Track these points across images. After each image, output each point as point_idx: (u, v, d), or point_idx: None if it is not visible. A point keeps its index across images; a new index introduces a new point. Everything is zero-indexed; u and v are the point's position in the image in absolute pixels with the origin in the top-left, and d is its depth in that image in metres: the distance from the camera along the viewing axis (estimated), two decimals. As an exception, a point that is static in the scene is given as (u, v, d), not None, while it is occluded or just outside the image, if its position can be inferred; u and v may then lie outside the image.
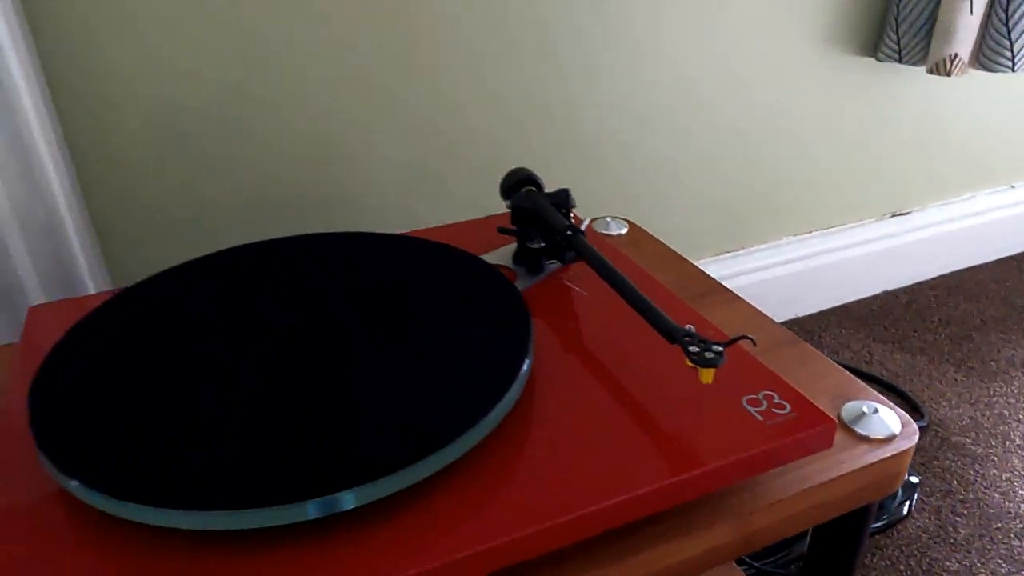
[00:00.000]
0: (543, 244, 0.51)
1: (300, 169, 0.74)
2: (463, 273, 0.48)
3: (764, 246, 1.07)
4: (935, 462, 0.87)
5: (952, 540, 0.77)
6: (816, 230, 1.11)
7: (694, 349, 0.36)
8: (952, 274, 1.26)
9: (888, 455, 0.42)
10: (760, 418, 0.38)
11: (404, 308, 0.44)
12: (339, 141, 0.74)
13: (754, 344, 0.48)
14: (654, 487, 0.35)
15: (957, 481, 0.84)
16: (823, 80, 0.98)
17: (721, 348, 0.36)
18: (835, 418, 0.42)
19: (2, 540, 0.32)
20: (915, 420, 0.47)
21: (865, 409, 0.44)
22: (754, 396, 0.40)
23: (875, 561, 0.75)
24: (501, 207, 0.86)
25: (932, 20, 0.95)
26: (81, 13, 0.60)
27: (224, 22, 0.65)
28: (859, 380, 0.48)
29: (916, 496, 0.81)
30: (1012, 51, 0.95)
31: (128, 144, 0.66)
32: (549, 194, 0.52)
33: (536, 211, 0.50)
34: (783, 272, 1.08)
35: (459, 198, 0.83)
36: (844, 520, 0.44)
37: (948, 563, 0.75)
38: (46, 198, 0.60)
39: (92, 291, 0.64)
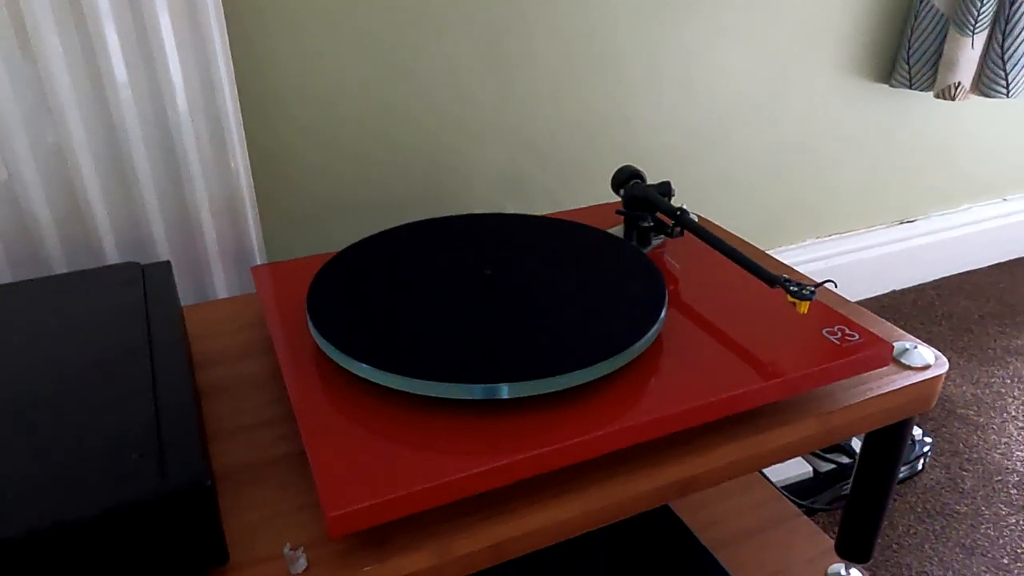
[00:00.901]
0: (651, 223, 0.65)
1: (420, 165, 0.88)
2: (600, 242, 0.62)
3: (792, 246, 1.22)
4: (943, 429, 1.01)
5: (960, 489, 0.91)
6: (835, 233, 1.26)
7: (793, 288, 0.50)
8: (953, 276, 1.41)
9: (926, 378, 0.56)
10: (836, 342, 0.52)
11: (565, 264, 0.59)
12: (452, 143, 0.88)
13: (835, 286, 0.62)
14: (763, 384, 0.48)
15: (963, 444, 0.99)
16: (843, 103, 1.14)
17: (813, 288, 0.50)
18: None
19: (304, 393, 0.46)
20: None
21: (908, 346, 0.58)
22: (831, 329, 0.54)
23: (898, 505, 0.89)
24: (575, 202, 1.00)
25: (939, 53, 1.11)
26: (270, 44, 0.75)
27: (367, 49, 0.79)
28: (900, 329, 0.62)
29: (929, 454, 0.95)
30: (1007, 80, 1.10)
31: (295, 144, 0.80)
32: (653, 185, 0.66)
33: (647, 198, 0.65)
34: (805, 270, 1.23)
35: (539, 195, 0.97)
36: (892, 429, 0.58)
37: (957, 507, 0.89)
38: (232, 185, 0.74)
39: (258, 262, 0.78)
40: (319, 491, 0.40)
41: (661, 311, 0.52)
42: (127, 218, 0.71)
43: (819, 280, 0.59)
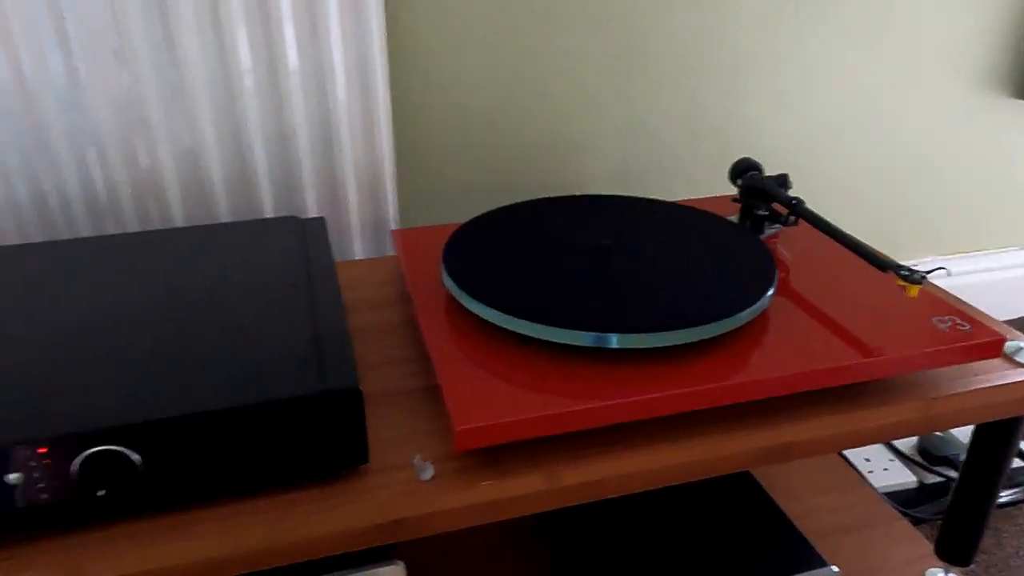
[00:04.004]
0: (767, 212, 0.68)
1: (538, 155, 0.93)
2: (715, 225, 0.66)
3: (910, 261, 1.19)
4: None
5: (1079, 518, 0.88)
6: (959, 252, 1.22)
7: (904, 272, 0.52)
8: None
9: (1039, 377, 0.56)
10: (945, 330, 0.53)
11: (679, 241, 0.62)
12: (569, 135, 0.93)
13: (948, 274, 0.63)
14: (866, 360, 0.50)
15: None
16: (969, 117, 1.11)
17: (924, 273, 0.52)
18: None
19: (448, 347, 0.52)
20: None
21: (1022, 344, 0.58)
22: (941, 318, 0.55)
23: (1007, 525, 0.87)
24: (686, 198, 1.02)
25: (1087, 68, 1.06)
26: (416, 42, 0.82)
27: (495, 49, 0.86)
28: (1015, 330, 0.62)
29: (1047, 480, 0.92)
30: None
31: (430, 131, 0.88)
32: (771, 176, 0.69)
33: (764, 188, 0.67)
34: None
35: (651, 189, 1.01)
36: (1001, 428, 0.58)
37: (1075, 536, 0.85)
38: (376, 163, 0.82)
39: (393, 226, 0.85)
40: (449, 409, 0.45)
41: (770, 286, 0.55)
42: (285, 184, 0.80)
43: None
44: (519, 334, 0.52)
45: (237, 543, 0.42)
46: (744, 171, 0.71)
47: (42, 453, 0.40)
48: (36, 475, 0.40)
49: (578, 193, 0.97)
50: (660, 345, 0.50)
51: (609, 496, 0.48)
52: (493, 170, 0.92)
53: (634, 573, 0.62)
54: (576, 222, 0.66)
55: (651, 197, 1.00)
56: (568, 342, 0.50)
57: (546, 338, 0.51)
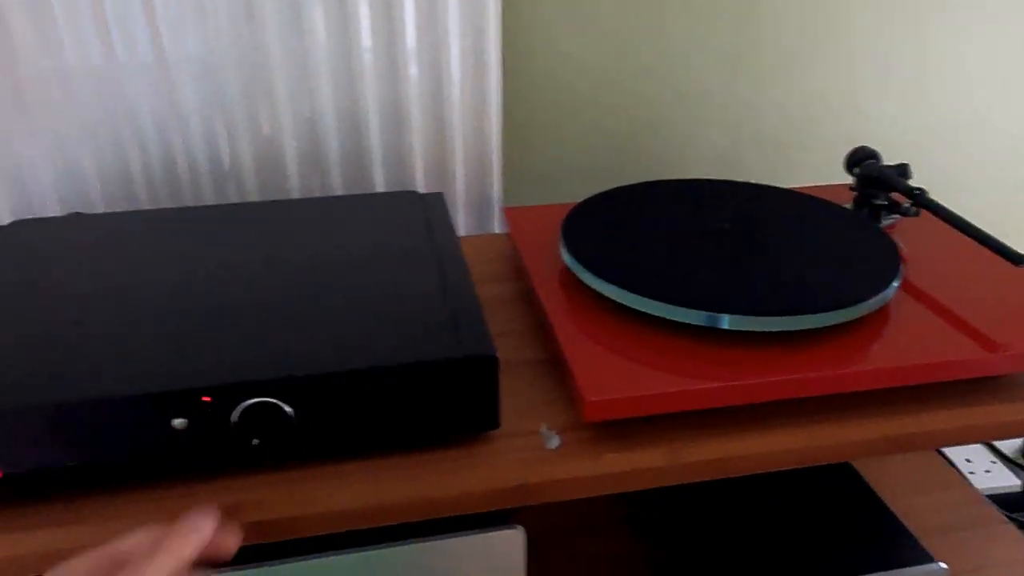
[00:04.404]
0: (885, 202, 0.67)
1: (645, 139, 0.93)
2: (836, 214, 0.65)
3: None
4: None
5: None
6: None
7: (1042, 266, 0.51)
8: None
9: None
10: (1082, 329, 0.52)
11: (800, 227, 0.62)
12: (677, 122, 0.93)
13: None
14: (991, 355, 0.50)
15: None
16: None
17: (1064, 268, 0.51)
18: None
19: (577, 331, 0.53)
20: None
21: None
22: (1076, 316, 0.53)
23: (1115, 536, 0.84)
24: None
25: None
26: (528, 24, 0.83)
27: (607, 31, 0.86)
28: None
29: None
30: None
31: (538, 112, 0.89)
32: (891, 166, 0.68)
33: (883, 177, 0.66)
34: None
35: (757, 178, 0.99)
36: None
37: None
38: (484, 142, 0.83)
39: (496, 209, 0.87)
40: (578, 382, 0.47)
41: (893, 277, 0.54)
42: (396, 159, 0.82)
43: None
44: (635, 310, 0.53)
45: (380, 496, 0.44)
46: (862, 160, 0.70)
47: (206, 401, 0.42)
48: (198, 422, 0.43)
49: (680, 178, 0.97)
50: (776, 330, 0.50)
51: (730, 475, 0.49)
52: (595, 152, 0.93)
53: (736, 563, 0.63)
54: (692, 205, 0.66)
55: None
56: (691, 321, 0.51)
57: (667, 316, 0.51)
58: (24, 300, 0.52)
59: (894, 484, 0.79)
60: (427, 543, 0.49)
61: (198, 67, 0.75)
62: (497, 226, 0.89)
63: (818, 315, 0.50)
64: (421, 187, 0.83)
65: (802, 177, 1.01)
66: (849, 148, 0.73)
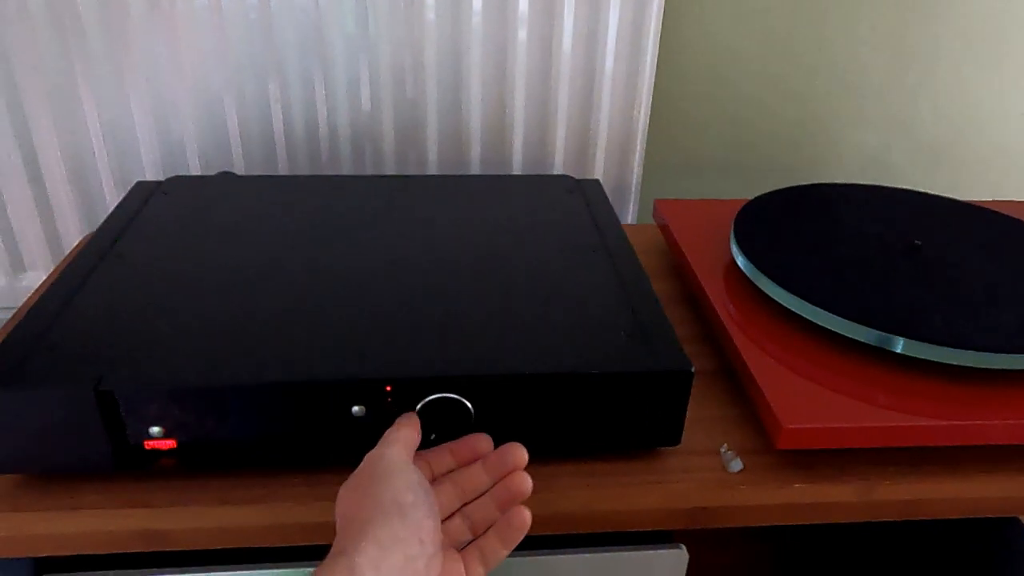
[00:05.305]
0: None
1: (794, 137, 0.88)
2: None
3: None
4: None
5: None
6: None
7: None
8: None
9: None
10: None
11: (997, 251, 0.57)
12: (830, 121, 0.88)
13: None
14: None
15: None
16: None
17: None
18: None
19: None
20: None
21: None
22: None
23: None
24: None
25: None
26: (684, 17, 0.79)
27: (767, 26, 0.81)
28: None
29: None
30: None
31: (685, 104, 0.85)
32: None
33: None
34: None
35: (906, 184, 0.93)
36: None
37: None
38: (629, 130, 0.80)
39: (633, 200, 0.83)
40: (773, 407, 0.43)
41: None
42: (537, 140, 0.79)
43: None
44: (809, 322, 0.49)
45: (553, 504, 0.42)
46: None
47: (387, 391, 0.41)
48: (377, 412, 0.41)
49: (826, 180, 0.92)
50: (956, 363, 0.46)
51: (920, 518, 0.45)
52: (741, 148, 0.88)
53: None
54: (873, 214, 0.62)
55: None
56: (873, 343, 0.47)
57: (857, 338, 0.48)
58: (210, 272, 0.51)
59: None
60: (588, 554, 0.47)
61: (352, 36, 0.73)
62: (631, 216, 0.85)
63: (988, 355, 0.45)
64: (559, 170, 0.80)
65: (954, 186, 0.94)
66: (1006, 158, 0.67)
